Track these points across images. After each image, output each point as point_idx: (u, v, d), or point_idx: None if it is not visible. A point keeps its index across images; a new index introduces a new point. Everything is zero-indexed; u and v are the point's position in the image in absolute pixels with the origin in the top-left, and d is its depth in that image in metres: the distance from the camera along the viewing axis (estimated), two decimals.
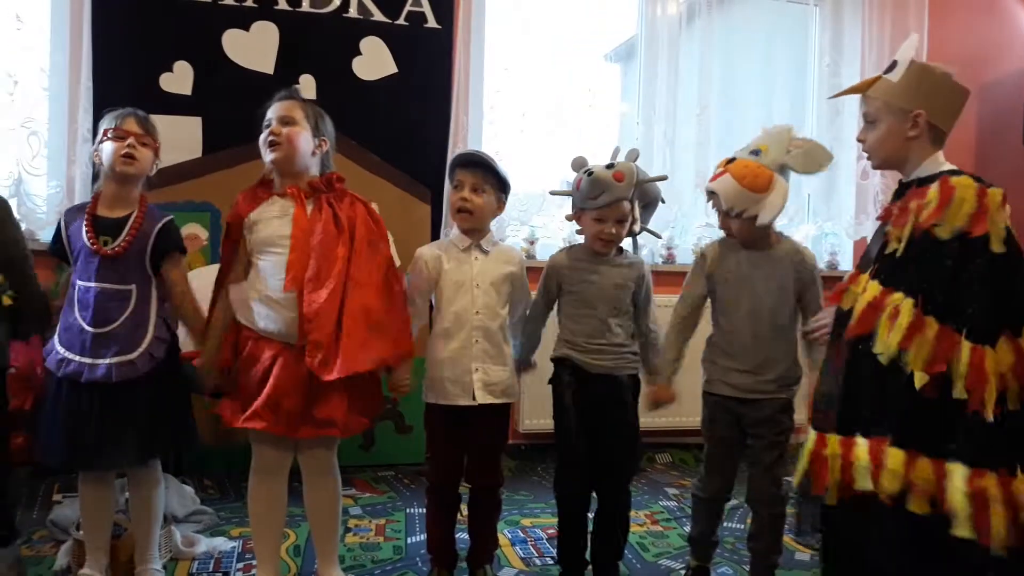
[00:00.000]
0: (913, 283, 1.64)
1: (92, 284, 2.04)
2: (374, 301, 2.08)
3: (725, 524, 2.83)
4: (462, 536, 2.43)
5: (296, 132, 2.09)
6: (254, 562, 2.28)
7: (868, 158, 1.86)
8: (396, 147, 3.31)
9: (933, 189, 1.67)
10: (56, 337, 2.06)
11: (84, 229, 2.06)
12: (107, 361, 2.00)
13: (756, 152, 2.15)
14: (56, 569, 2.32)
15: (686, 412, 3.13)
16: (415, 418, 3.27)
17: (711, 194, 2.21)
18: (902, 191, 1.78)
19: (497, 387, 2.24)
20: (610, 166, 2.21)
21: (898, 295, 1.65)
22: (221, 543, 2.55)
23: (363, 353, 2.03)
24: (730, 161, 2.18)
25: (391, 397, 3.22)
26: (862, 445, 1.66)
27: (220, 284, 2.16)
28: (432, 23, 3.35)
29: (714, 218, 3.65)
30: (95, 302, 2.03)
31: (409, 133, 3.34)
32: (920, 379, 1.59)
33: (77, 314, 2.04)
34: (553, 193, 2.53)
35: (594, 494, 2.34)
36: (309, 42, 3.22)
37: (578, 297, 2.27)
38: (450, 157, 3.35)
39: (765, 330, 2.18)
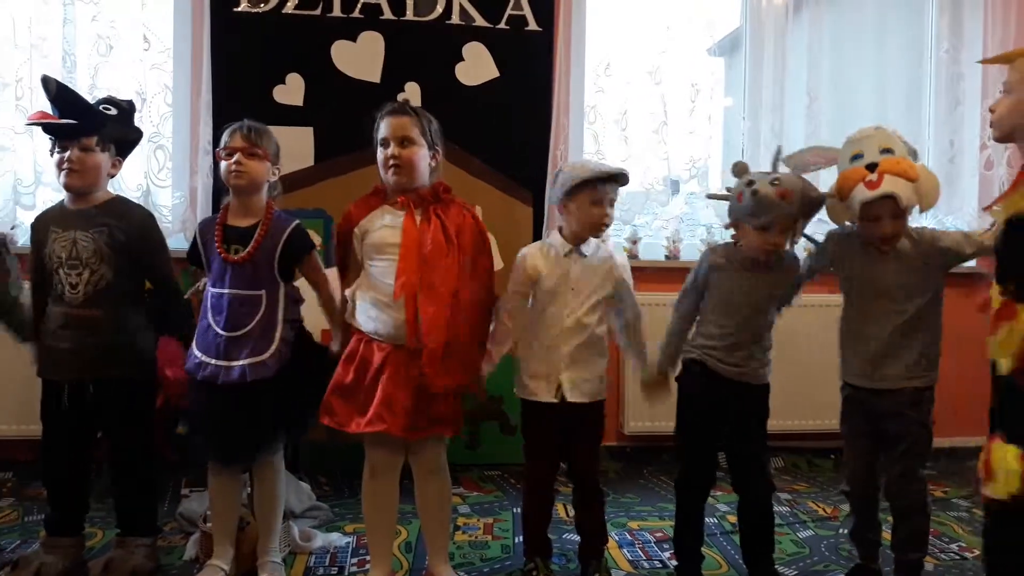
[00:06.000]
0: (1008, 269, 1.63)
1: (225, 291, 2.15)
2: (475, 316, 2.18)
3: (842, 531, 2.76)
4: (571, 536, 2.43)
5: (414, 153, 2.12)
6: (368, 557, 2.34)
7: (991, 126, 1.81)
8: (498, 151, 3.33)
9: None
10: (194, 342, 2.18)
11: (214, 238, 2.17)
12: (241, 363, 2.10)
13: (888, 151, 2.08)
14: (185, 559, 2.45)
15: (797, 415, 3.04)
16: (520, 418, 3.29)
17: (881, 201, 2.05)
18: None
19: (586, 386, 2.26)
20: (776, 180, 2.11)
21: (995, 288, 1.65)
22: (336, 538, 2.63)
23: (466, 368, 2.17)
24: (871, 167, 2.06)
25: (497, 396, 3.28)
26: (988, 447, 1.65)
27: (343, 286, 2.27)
28: (533, 25, 3.36)
29: (823, 215, 3.58)
30: (228, 307, 2.13)
31: (511, 136, 3.36)
32: (1005, 367, 1.59)
33: (211, 319, 2.15)
34: (710, 196, 2.52)
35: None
36: (414, 50, 3.28)
37: (725, 299, 2.24)
38: (552, 159, 3.37)
39: (889, 321, 2.13)
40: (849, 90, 3.72)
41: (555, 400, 2.24)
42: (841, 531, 2.77)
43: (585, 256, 2.26)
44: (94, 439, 2.36)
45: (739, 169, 2.25)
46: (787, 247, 2.22)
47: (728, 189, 2.30)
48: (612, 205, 2.24)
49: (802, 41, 3.65)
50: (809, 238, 2.35)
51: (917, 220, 2.24)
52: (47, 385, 2.31)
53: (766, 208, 2.10)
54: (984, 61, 2.05)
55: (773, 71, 3.60)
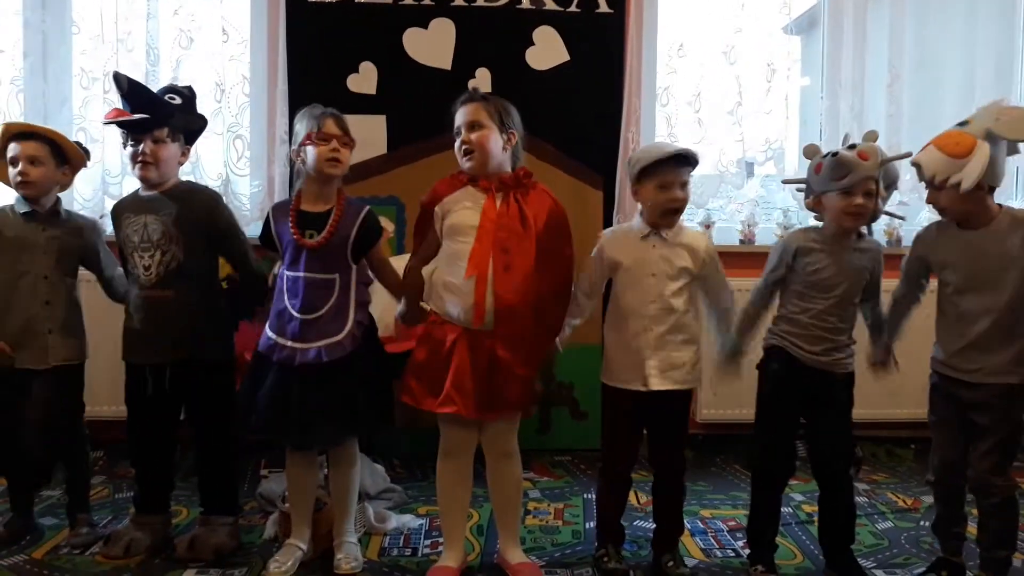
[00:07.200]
0: None
1: (300, 274, 2.19)
2: (550, 302, 2.20)
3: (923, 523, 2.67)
4: (642, 524, 2.42)
5: (485, 136, 2.14)
6: (441, 539, 2.38)
7: None
8: (569, 135, 3.30)
9: None
10: (268, 324, 2.24)
11: (289, 223, 2.21)
12: (317, 344, 2.16)
13: (963, 123, 2.07)
14: (265, 537, 2.53)
15: (877, 403, 2.96)
16: (590, 404, 3.28)
17: (917, 167, 2.11)
18: None
19: (676, 373, 2.22)
20: (852, 147, 2.15)
21: None
22: (410, 520, 2.68)
23: (540, 351, 2.19)
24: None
25: (568, 383, 3.29)
26: None
27: (412, 256, 2.33)
28: (604, 8, 3.32)
29: (908, 195, 3.47)
30: (303, 291, 2.18)
31: (582, 121, 3.33)
32: None
33: (287, 302, 2.20)
34: (786, 182, 2.59)
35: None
36: (484, 36, 3.27)
37: (811, 280, 2.20)
38: (624, 143, 3.33)
39: (991, 311, 2.06)
40: (934, 66, 3.55)
41: (642, 388, 2.22)
42: (923, 523, 2.69)
43: (665, 239, 2.24)
44: (177, 420, 2.45)
45: (811, 151, 2.26)
46: (871, 216, 2.18)
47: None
48: (684, 187, 2.21)
49: (884, 15, 3.50)
50: (892, 214, 2.39)
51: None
52: (130, 368, 2.40)
53: (847, 167, 2.11)
54: None
55: (853, 48, 3.47)
